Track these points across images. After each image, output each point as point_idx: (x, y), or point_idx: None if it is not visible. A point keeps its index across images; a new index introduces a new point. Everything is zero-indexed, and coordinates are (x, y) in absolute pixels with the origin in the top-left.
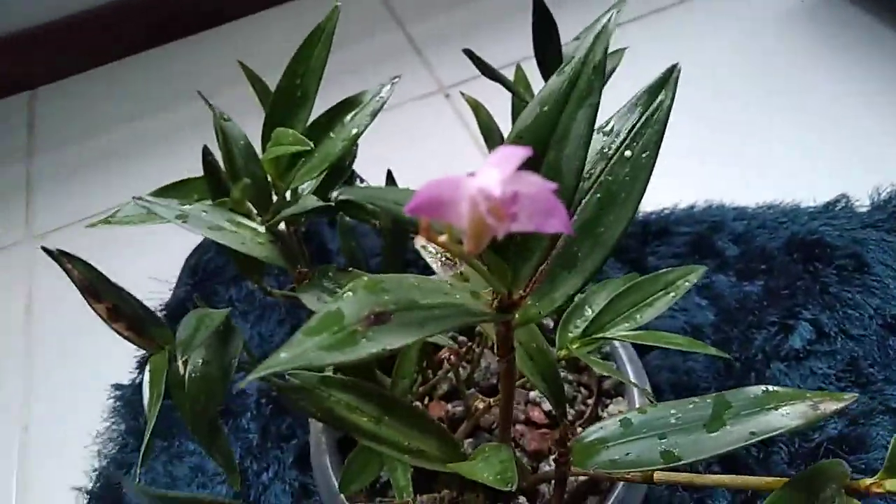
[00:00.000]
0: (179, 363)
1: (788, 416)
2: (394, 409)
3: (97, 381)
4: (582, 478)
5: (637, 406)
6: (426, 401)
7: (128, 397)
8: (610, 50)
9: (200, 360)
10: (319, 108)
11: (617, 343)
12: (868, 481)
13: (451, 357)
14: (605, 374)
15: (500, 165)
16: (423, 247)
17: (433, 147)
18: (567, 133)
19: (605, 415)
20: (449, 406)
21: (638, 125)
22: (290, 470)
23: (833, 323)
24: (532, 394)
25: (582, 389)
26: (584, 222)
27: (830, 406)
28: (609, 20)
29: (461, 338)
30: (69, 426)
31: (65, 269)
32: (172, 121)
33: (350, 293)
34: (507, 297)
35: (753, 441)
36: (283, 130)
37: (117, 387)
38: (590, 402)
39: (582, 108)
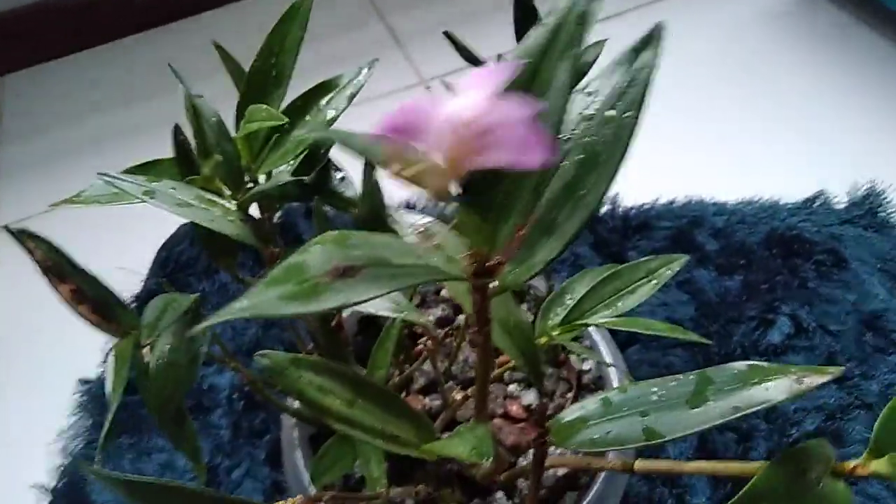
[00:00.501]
0: (145, 350)
1: (772, 390)
2: (367, 393)
3: (63, 377)
4: (560, 472)
5: None
6: (403, 395)
7: (94, 392)
8: (590, 41)
9: (167, 347)
10: None
11: (598, 337)
12: (853, 463)
13: (429, 343)
14: (586, 357)
15: (479, 87)
16: (404, 218)
17: None
18: (548, 84)
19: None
20: (426, 400)
21: (621, 84)
22: (262, 466)
23: (811, 318)
24: (510, 388)
25: (561, 383)
26: (564, 184)
27: (815, 380)
28: None
29: (438, 330)
30: (33, 423)
31: (27, 249)
32: (146, 110)
33: (317, 246)
34: (485, 261)
35: (737, 416)
36: (256, 106)
37: (83, 382)
38: (569, 395)
39: (563, 60)
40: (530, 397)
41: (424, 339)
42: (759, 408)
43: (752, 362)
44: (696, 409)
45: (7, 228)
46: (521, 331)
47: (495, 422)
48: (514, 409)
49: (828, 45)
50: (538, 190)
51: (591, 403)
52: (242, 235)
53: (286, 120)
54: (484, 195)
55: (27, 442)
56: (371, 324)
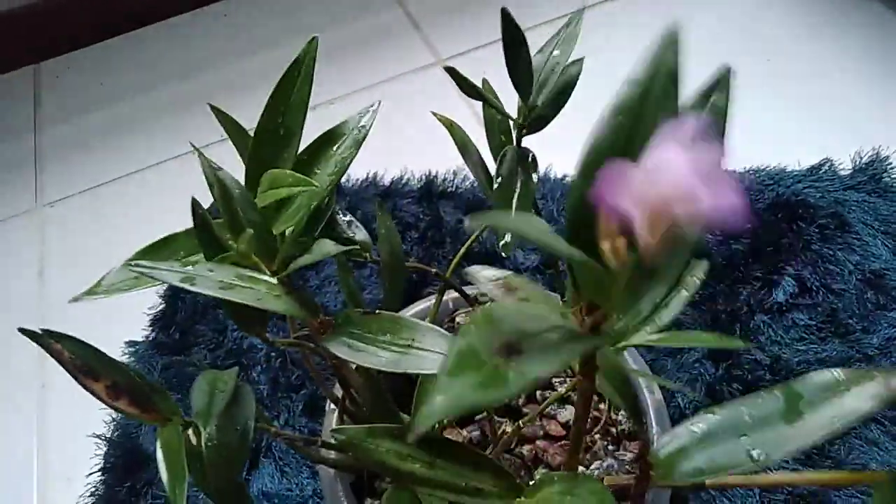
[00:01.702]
0: (190, 433)
1: (863, 398)
2: (444, 451)
3: (110, 340)
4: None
5: (648, 402)
6: (438, 427)
7: (141, 353)
8: (571, 58)
9: (214, 427)
10: (322, 80)
11: None
12: None
13: None
14: (640, 377)
15: (686, 149)
16: (480, 274)
17: (434, 118)
18: (646, 140)
19: (619, 417)
20: (464, 431)
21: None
22: (299, 417)
23: (815, 278)
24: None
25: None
26: None
27: None
28: (675, 29)
29: None
30: None
31: (52, 352)
32: (177, 94)
33: (472, 328)
34: (601, 314)
35: (839, 426)
36: (280, 172)
37: (130, 343)
38: (602, 406)
39: (660, 116)
40: (566, 414)
41: None
42: (855, 417)
43: (837, 371)
44: (794, 425)
45: (24, 331)
46: (618, 372)
47: (538, 443)
48: (553, 427)
49: (832, 14)
50: None
51: (683, 432)
52: (291, 310)
53: (316, 185)
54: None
55: (83, 399)
56: None
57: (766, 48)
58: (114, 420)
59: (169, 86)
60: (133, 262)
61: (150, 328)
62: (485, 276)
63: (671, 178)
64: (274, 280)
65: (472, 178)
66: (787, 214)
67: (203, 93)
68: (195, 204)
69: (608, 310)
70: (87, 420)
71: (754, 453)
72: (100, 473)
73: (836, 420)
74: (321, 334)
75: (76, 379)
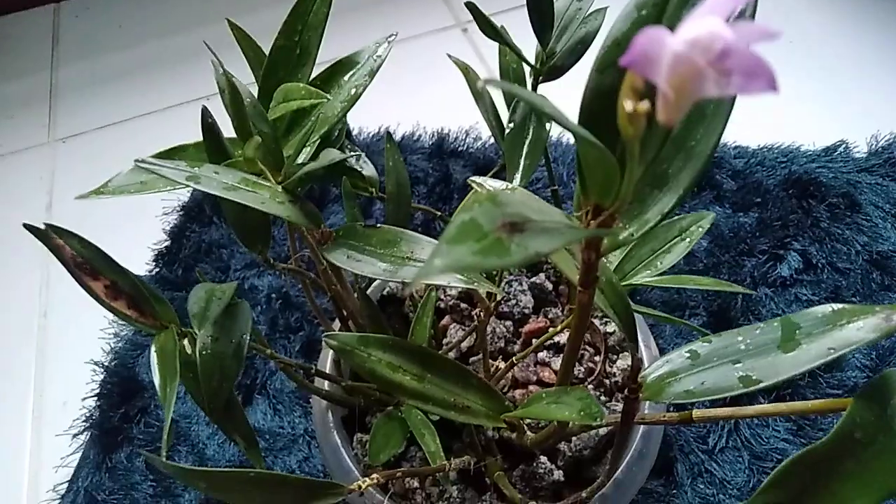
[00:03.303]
0: (185, 342)
1: (863, 329)
2: (436, 366)
3: None
4: (602, 431)
5: (644, 357)
6: None
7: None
8: (592, 8)
9: (209, 338)
10: (342, 37)
11: None
12: None
13: (482, 314)
14: (608, 320)
15: (718, 11)
16: (479, 183)
17: (450, 78)
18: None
19: (614, 370)
20: None
21: None
22: (296, 357)
23: (821, 255)
24: (540, 355)
25: (588, 348)
26: (673, 137)
27: None
28: None
29: (462, 305)
30: (87, 312)
31: (53, 247)
32: (193, 41)
33: (477, 205)
34: (607, 218)
35: (833, 357)
36: (293, 85)
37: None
38: (597, 359)
39: (686, 9)
40: (560, 362)
41: (450, 314)
42: (852, 347)
43: (836, 305)
44: (790, 354)
45: (27, 226)
46: (613, 287)
47: (530, 388)
48: (546, 374)
49: (859, 2)
50: (664, 141)
51: (676, 357)
52: (294, 217)
53: (328, 98)
54: (611, 144)
55: (83, 328)
56: (389, 301)
57: (790, 31)
58: (112, 349)
59: (186, 32)
60: (139, 160)
61: (154, 263)
62: (491, 185)
63: (705, 42)
64: (279, 188)
65: (483, 137)
66: (798, 191)
67: (221, 40)
68: (205, 111)
69: (615, 210)
70: (86, 347)
71: (745, 378)
72: (95, 399)
73: (833, 350)
74: (322, 244)
75: (75, 277)
